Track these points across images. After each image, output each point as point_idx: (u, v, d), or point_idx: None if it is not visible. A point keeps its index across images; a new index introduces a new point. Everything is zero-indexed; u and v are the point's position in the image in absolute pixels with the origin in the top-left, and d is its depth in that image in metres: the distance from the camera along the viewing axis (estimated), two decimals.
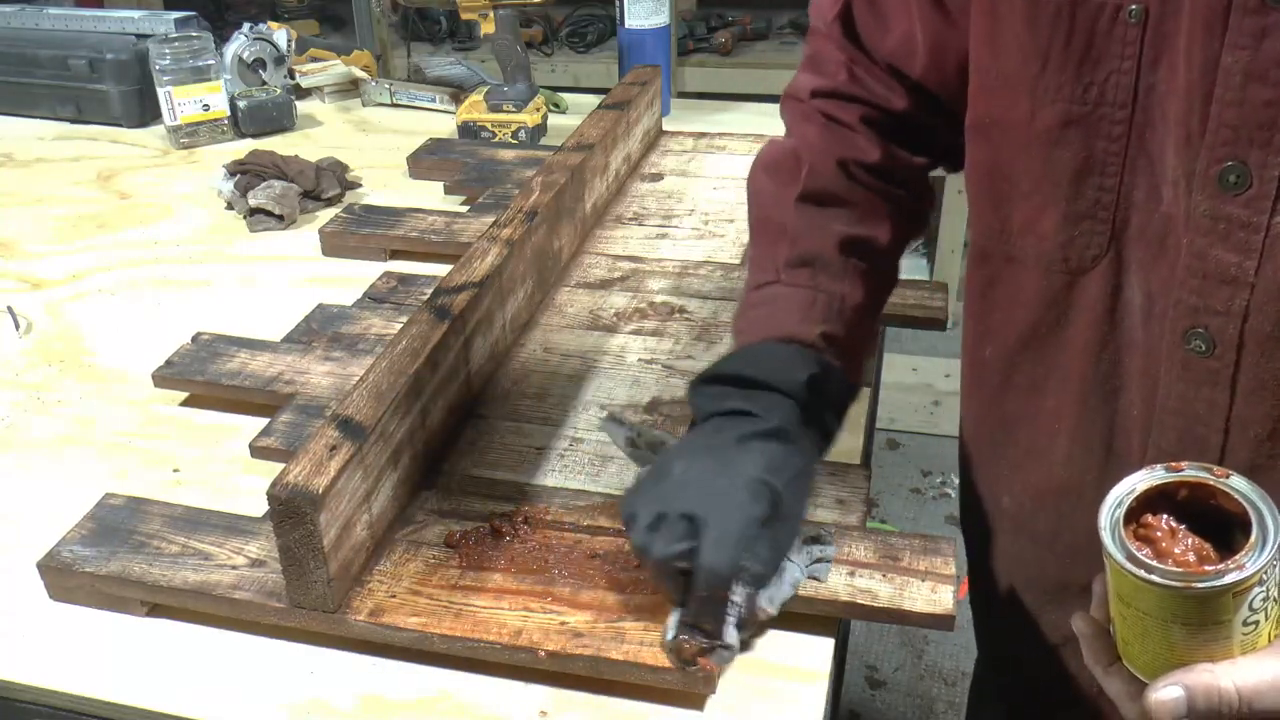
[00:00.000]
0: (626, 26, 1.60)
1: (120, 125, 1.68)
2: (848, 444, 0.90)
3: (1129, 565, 0.50)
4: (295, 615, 0.70)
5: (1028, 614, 0.80)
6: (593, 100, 1.56)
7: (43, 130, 1.69)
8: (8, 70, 1.72)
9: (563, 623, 0.68)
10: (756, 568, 0.63)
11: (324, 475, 0.67)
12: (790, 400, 0.69)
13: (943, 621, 0.69)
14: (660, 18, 1.60)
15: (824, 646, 0.71)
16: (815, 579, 0.70)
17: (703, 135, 1.52)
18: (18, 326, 1.11)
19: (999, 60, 0.66)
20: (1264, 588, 0.49)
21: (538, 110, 1.57)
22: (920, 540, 0.74)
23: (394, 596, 0.71)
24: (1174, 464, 0.53)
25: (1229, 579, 0.48)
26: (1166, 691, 0.51)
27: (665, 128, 1.53)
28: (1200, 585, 0.48)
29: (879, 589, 0.70)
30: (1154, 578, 0.49)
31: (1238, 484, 0.51)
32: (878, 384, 1.05)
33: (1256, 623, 0.50)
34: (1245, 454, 0.62)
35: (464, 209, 1.31)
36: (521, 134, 1.54)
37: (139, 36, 1.68)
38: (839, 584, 0.71)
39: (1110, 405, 0.68)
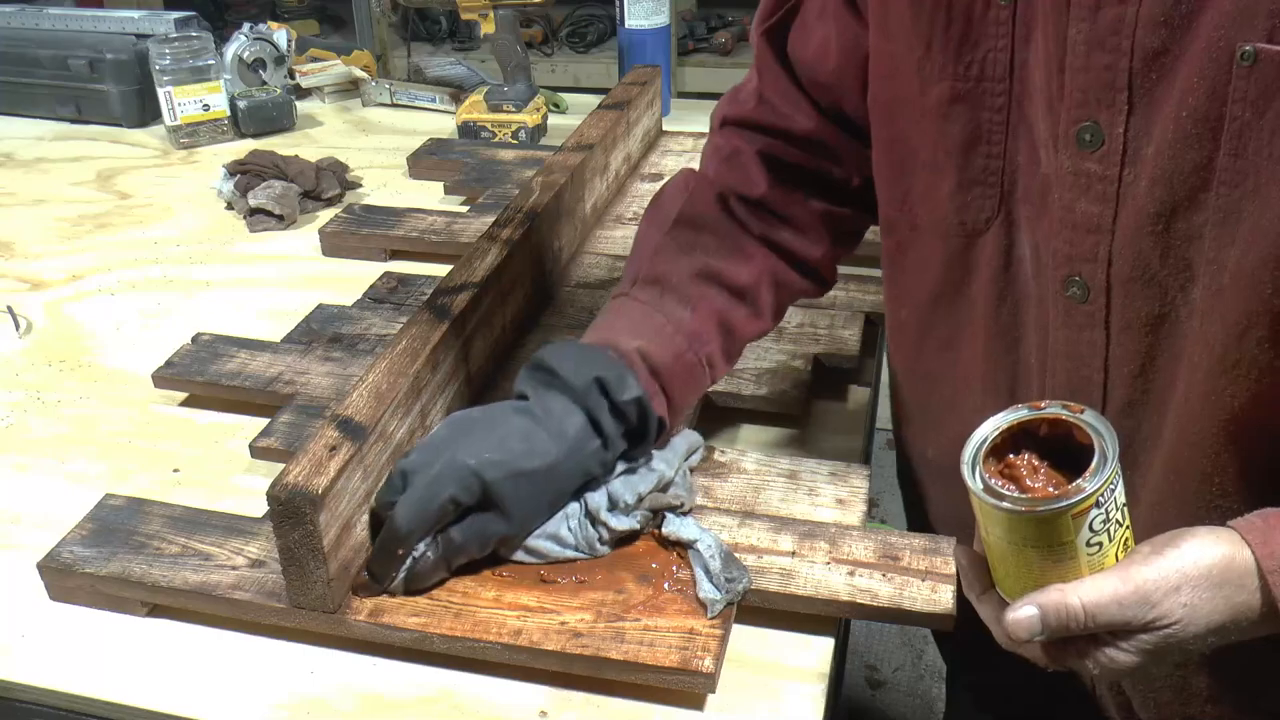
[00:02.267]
0: (626, 26, 1.60)
1: (120, 125, 1.69)
2: (848, 444, 0.90)
3: (984, 495, 0.54)
4: (295, 615, 0.70)
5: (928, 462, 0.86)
6: (593, 100, 1.56)
7: (43, 130, 1.69)
8: (8, 70, 1.72)
9: (562, 623, 0.68)
10: (447, 539, 0.69)
11: (324, 475, 0.67)
12: (570, 395, 0.71)
13: (943, 621, 0.69)
14: (660, 18, 1.60)
15: (824, 646, 0.71)
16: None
17: (703, 135, 1.51)
18: (18, 326, 1.11)
19: (890, 43, 0.71)
20: (1102, 509, 0.53)
21: (538, 110, 1.57)
22: (920, 540, 0.74)
23: (394, 596, 0.71)
24: (1036, 403, 0.57)
25: (1066, 502, 0.53)
26: (1022, 611, 0.56)
27: (665, 128, 1.53)
28: (1041, 509, 0.53)
29: (879, 588, 0.70)
30: (1003, 504, 0.54)
31: (1088, 418, 0.55)
32: (877, 384, 1.04)
33: (1100, 544, 0.55)
34: (1123, 391, 0.67)
35: (464, 209, 1.31)
36: (521, 134, 1.54)
37: (139, 36, 1.68)
38: (839, 584, 0.71)
39: (1012, 355, 0.73)
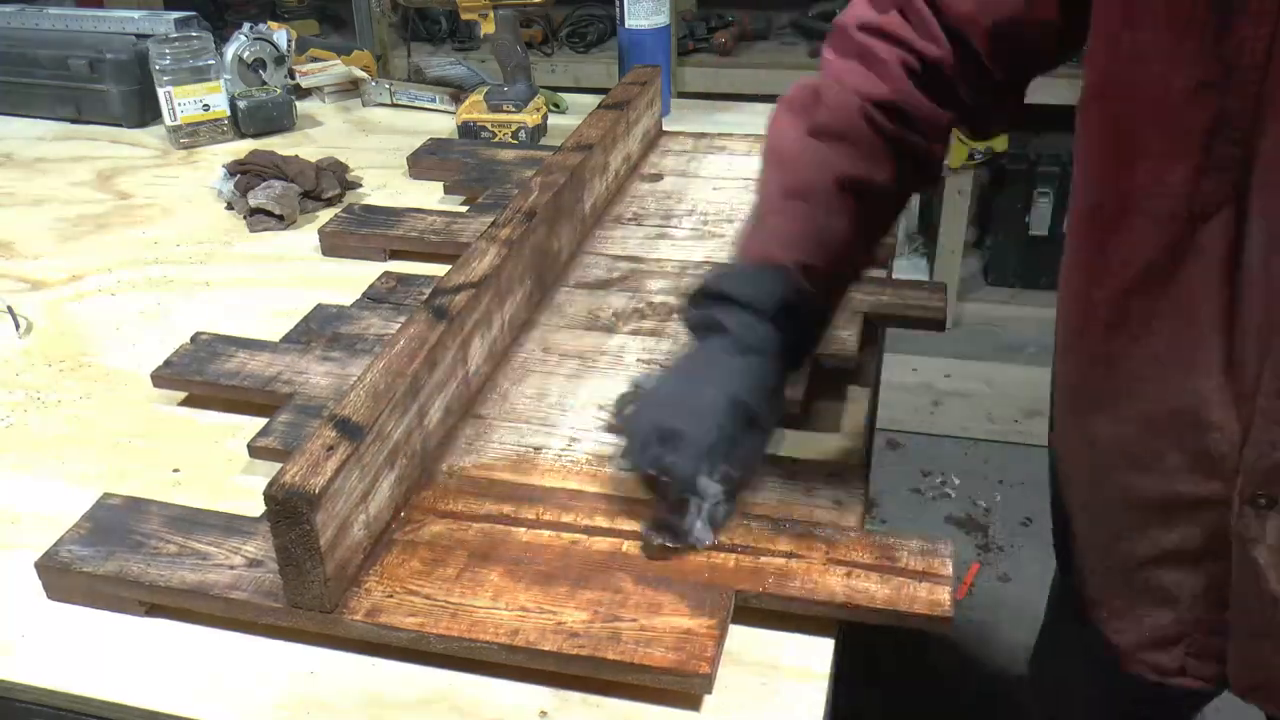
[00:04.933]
0: (626, 26, 1.60)
1: (120, 125, 1.69)
2: (847, 444, 0.90)
3: None
4: (292, 615, 0.70)
5: (1122, 535, 0.85)
6: (593, 100, 1.56)
7: (43, 130, 1.69)
8: (8, 70, 1.72)
9: (559, 623, 0.68)
10: (731, 473, 0.74)
11: (320, 475, 0.67)
12: (766, 320, 0.77)
13: (940, 623, 0.69)
14: (660, 18, 1.60)
15: (824, 646, 0.71)
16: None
17: (703, 135, 1.52)
18: (18, 326, 1.11)
19: (1134, 31, 0.71)
20: None
21: (538, 110, 1.57)
22: (918, 541, 0.74)
23: (391, 596, 0.71)
24: None
25: None
26: None
27: (665, 128, 1.53)
28: None
29: (876, 590, 0.70)
30: None
31: None
32: (878, 384, 1.05)
33: None
34: None
35: (464, 209, 1.31)
36: (521, 134, 1.54)
37: (139, 36, 1.68)
38: (836, 584, 0.71)
39: (1226, 334, 0.73)
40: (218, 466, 0.89)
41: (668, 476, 0.73)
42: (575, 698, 0.67)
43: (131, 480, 0.87)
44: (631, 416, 0.78)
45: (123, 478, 0.87)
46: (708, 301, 0.80)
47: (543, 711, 0.67)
